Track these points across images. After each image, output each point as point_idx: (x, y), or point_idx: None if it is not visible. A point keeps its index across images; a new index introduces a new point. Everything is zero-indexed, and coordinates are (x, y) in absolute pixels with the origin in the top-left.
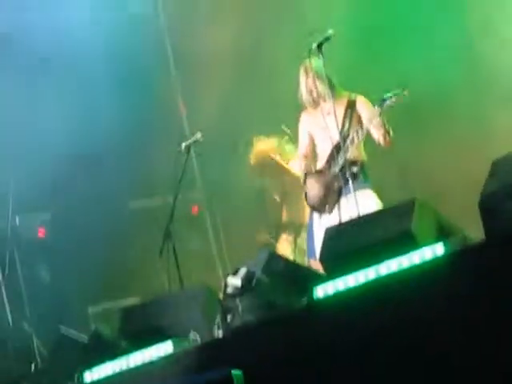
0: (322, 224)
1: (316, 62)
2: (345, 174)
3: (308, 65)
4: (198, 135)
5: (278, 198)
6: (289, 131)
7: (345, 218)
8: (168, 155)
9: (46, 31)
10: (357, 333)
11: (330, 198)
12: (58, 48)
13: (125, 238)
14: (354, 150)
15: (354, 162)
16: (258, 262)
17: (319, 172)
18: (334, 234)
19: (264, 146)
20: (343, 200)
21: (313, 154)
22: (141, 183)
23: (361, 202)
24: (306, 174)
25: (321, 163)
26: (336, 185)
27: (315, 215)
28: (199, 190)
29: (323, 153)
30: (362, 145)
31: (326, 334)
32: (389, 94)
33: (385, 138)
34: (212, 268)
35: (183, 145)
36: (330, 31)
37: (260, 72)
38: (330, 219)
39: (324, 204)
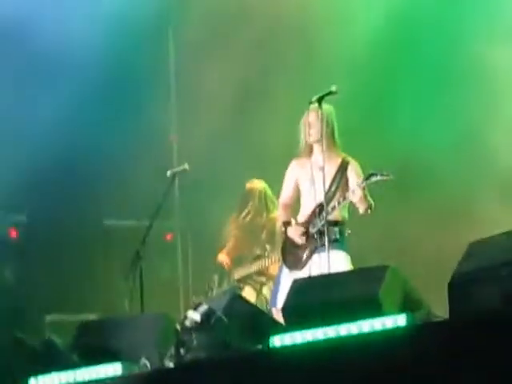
0: (290, 276)
1: (329, 109)
2: (323, 233)
3: (318, 108)
4: (186, 166)
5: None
6: None
7: (314, 274)
8: (151, 180)
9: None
10: None
11: (303, 255)
12: (53, 47)
13: (95, 254)
14: (336, 212)
15: (333, 223)
16: (220, 300)
17: (299, 226)
18: (300, 287)
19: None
20: (315, 257)
21: (293, 205)
22: (119, 202)
23: (333, 262)
24: (285, 224)
25: (302, 217)
26: (311, 244)
27: (285, 269)
28: (176, 219)
29: (306, 207)
30: (345, 207)
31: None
32: (376, 172)
33: (365, 210)
34: (176, 298)
35: (169, 172)
36: (334, 87)
37: (257, 115)
38: (298, 275)
39: (295, 261)
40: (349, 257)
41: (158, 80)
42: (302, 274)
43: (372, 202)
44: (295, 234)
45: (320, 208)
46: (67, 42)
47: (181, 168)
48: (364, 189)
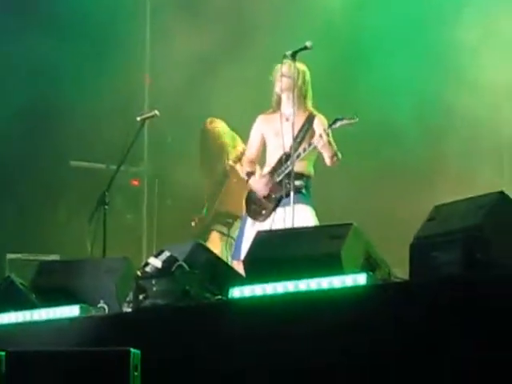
0: (254, 228)
1: (303, 66)
2: (287, 184)
3: (291, 62)
4: (156, 112)
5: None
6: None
7: (277, 228)
8: (122, 124)
9: None
10: (260, 340)
11: (267, 206)
12: None
13: (59, 194)
14: (302, 164)
15: (299, 176)
16: (183, 249)
17: (263, 176)
18: (263, 240)
19: (221, 126)
20: (280, 210)
21: (259, 160)
22: (88, 145)
23: (298, 216)
24: (248, 175)
25: (267, 169)
26: (276, 194)
27: (249, 218)
28: (144, 164)
29: (271, 159)
30: (310, 160)
31: (231, 334)
32: (341, 117)
33: (331, 159)
34: (139, 244)
35: (139, 118)
36: (308, 43)
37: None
38: (262, 226)
39: (260, 210)
40: (314, 211)
41: (135, 21)
42: (266, 225)
43: (338, 152)
44: (259, 183)
45: (285, 157)
46: None
47: (151, 114)
48: (328, 135)
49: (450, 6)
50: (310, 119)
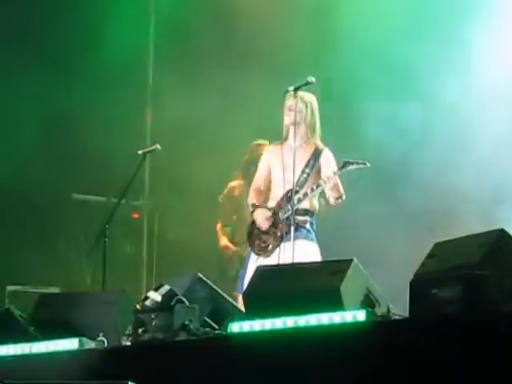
0: (257, 263)
1: (311, 97)
2: (292, 221)
3: (301, 94)
4: (157, 146)
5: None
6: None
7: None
8: (125, 158)
9: None
10: (259, 375)
11: (271, 242)
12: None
13: (60, 227)
14: (307, 200)
15: (303, 212)
16: (182, 283)
17: (267, 210)
18: (263, 274)
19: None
20: (283, 245)
21: (266, 191)
22: (90, 178)
23: (302, 253)
24: (253, 206)
25: (272, 202)
26: (279, 232)
27: (253, 255)
28: (145, 198)
29: (276, 191)
30: (315, 196)
31: (230, 369)
32: (352, 160)
33: (336, 200)
34: (139, 277)
35: (140, 151)
36: (310, 78)
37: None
38: (266, 261)
39: (264, 247)
40: (317, 248)
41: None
42: (271, 260)
43: (343, 192)
44: (260, 217)
45: (291, 194)
46: None
47: (152, 148)
48: (338, 176)
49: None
50: (316, 153)
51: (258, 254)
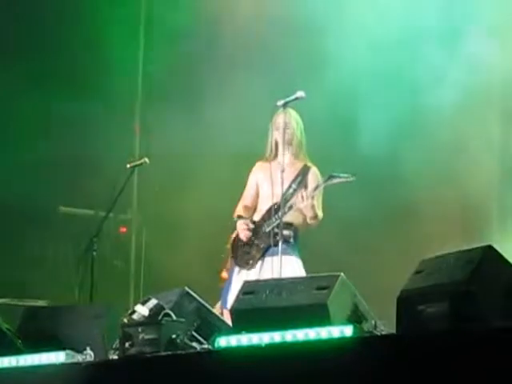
0: (239, 276)
1: (297, 115)
2: (276, 234)
3: (290, 111)
4: (146, 159)
5: None
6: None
7: (264, 277)
8: (113, 172)
9: None
10: None
11: (254, 254)
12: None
13: (47, 240)
14: (291, 214)
15: (288, 226)
16: (170, 297)
17: (251, 222)
18: (249, 289)
19: None
20: (268, 260)
21: (253, 206)
22: (78, 191)
23: (285, 267)
24: (238, 217)
25: (257, 216)
26: (263, 244)
27: (236, 268)
28: (133, 212)
29: (262, 206)
30: (299, 211)
31: (217, 383)
32: (336, 174)
33: (311, 220)
34: (126, 291)
35: (128, 165)
36: (300, 93)
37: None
38: (248, 274)
39: (247, 259)
40: (301, 262)
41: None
42: (253, 274)
43: (320, 214)
44: (242, 227)
45: (276, 208)
46: None
47: (141, 161)
48: (313, 198)
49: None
50: (305, 170)
51: (240, 266)
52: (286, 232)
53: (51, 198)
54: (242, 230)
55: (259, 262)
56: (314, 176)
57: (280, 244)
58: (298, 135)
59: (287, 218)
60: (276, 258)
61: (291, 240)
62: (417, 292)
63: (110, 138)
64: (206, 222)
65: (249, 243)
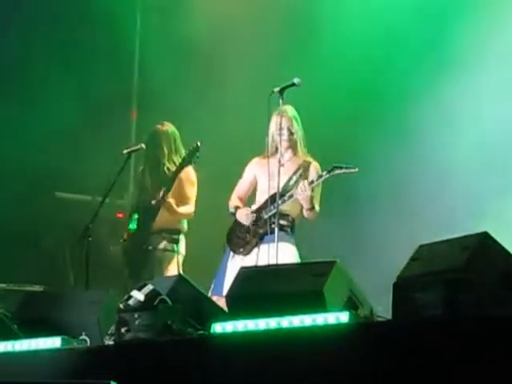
0: (233, 263)
1: (294, 111)
2: (272, 222)
3: (286, 108)
4: (142, 145)
5: None
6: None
7: (260, 264)
8: (110, 157)
9: None
10: (241, 375)
11: (250, 240)
12: None
13: (43, 225)
14: (290, 204)
15: (285, 215)
16: (166, 283)
17: (250, 210)
18: (247, 276)
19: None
20: (264, 246)
21: (247, 200)
22: (74, 176)
23: (281, 254)
24: (235, 208)
25: (255, 206)
26: (260, 230)
27: (231, 253)
28: (130, 197)
29: (260, 198)
30: (297, 202)
31: (212, 369)
32: (339, 165)
33: (307, 212)
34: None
35: (125, 150)
36: (296, 79)
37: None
38: (244, 260)
39: (243, 244)
40: (297, 250)
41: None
42: (249, 261)
43: (317, 207)
44: (243, 214)
45: (274, 197)
46: None
47: (137, 147)
48: (313, 190)
49: None
50: (305, 166)
51: (234, 251)
52: (282, 221)
53: (46, 183)
54: (245, 215)
55: (255, 250)
56: (314, 169)
57: (276, 231)
58: (298, 132)
59: (285, 208)
60: (272, 245)
61: (288, 229)
62: (413, 279)
63: (106, 122)
64: (203, 209)
65: (246, 229)
